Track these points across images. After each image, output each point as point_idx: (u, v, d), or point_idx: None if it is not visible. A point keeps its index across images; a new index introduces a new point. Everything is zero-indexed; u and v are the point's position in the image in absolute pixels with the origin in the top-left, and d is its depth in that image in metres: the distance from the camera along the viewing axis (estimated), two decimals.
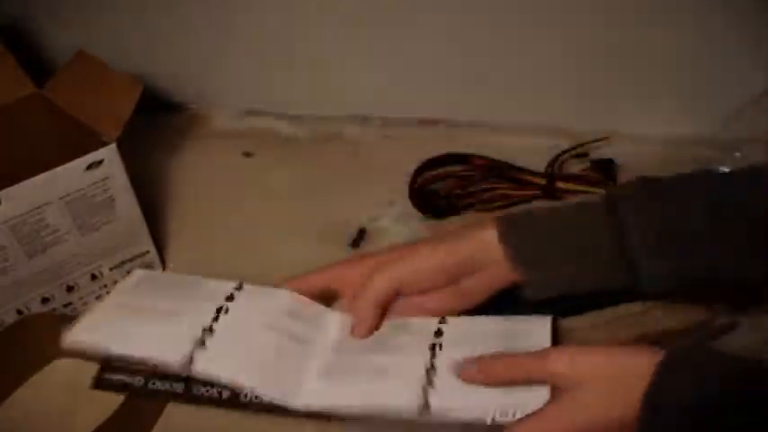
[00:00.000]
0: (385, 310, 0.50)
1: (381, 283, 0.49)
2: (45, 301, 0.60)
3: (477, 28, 0.73)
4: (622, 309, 0.54)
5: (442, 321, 0.49)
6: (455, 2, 0.71)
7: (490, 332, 0.47)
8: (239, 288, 0.52)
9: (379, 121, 0.83)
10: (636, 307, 0.54)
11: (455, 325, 0.49)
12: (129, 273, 0.63)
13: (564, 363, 0.40)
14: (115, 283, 0.64)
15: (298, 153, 0.80)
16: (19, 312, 0.59)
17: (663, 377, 0.38)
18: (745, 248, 0.45)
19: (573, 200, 0.49)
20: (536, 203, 0.61)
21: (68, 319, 0.61)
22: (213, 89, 0.84)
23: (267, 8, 0.74)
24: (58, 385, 0.58)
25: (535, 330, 0.47)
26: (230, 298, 0.51)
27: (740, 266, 0.45)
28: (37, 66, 0.62)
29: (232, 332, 0.48)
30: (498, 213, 0.50)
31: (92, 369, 0.59)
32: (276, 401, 0.44)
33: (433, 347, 0.47)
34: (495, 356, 0.44)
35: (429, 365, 0.45)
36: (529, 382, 0.42)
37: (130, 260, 0.63)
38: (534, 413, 0.41)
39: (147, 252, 0.64)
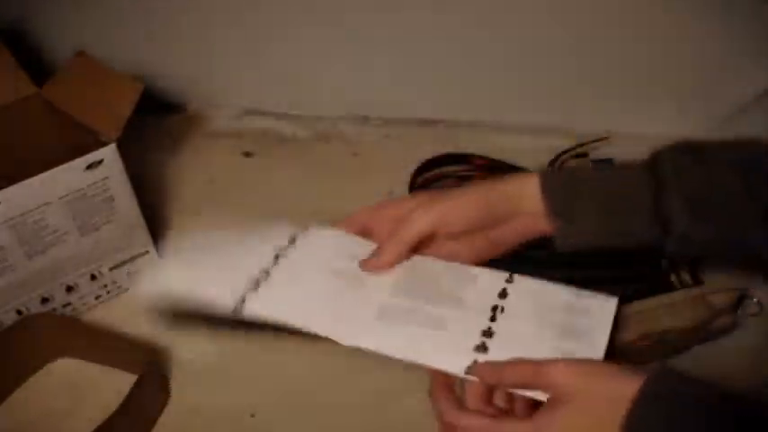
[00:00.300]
0: (415, 250, 0.49)
1: (422, 220, 0.48)
2: (45, 301, 0.60)
3: (477, 28, 0.73)
4: (622, 309, 0.54)
5: (509, 281, 0.48)
6: (455, 2, 0.71)
7: (553, 304, 0.47)
8: (301, 232, 0.51)
9: (379, 121, 0.83)
10: (637, 307, 0.54)
11: (521, 288, 0.48)
12: (128, 273, 0.64)
13: (558, 374, 0.41)
14: (114, 283, 0.64)
15: (298, 153, 0.80)
16: (19, 312, 0.59)
17: (641, 406, 0.38)
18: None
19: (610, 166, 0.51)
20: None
21: (68, 319, 0.61)
22: (213, 89, 0.84)
23: (267, 8, 0.74)
24: (58, 385, 0.58)
25: (599, 309, 0.46)
26: (292, 240, 0.50)
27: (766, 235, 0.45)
28: (37, 66, 0.62)
29: (288, 275, 0.47)
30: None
31: (92, 369, 0.59)
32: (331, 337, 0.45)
33: (494, 309, 0.46)
34: (507, 362, 0.44)
35: (486, 328, 0.45)
36: (531, 387, 0.42)
37: (130, 260, 0.63)
38: (529, 417, 0.41)
39: (147, 252, 0.64)
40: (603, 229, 0.47)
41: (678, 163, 0.46)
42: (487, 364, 0.43)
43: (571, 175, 0.49)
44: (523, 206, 0.48)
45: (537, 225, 0.48)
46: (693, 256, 0.51)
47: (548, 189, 0.47)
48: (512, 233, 0.49)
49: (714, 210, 0.45)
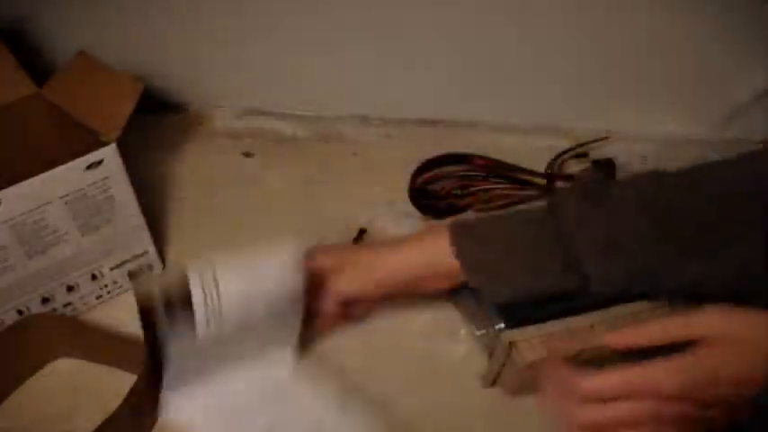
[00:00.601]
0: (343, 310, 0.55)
1: (336, 295, 0.54)
2: (45, 301, 0.60)
3: (477, 28, 0.73)
4: (622, 309, 0.54)
5: None
6: (455, 2, 0.71)
7: None
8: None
9: (379, 121, 0.83)
10: (636, 307, 0.54)
11: None
12: (128, 273, 0.64)
13: (709, 321, 0.41)
14: (115, 283, 0.64)
15: (298, 153, 0.80)
16: (19, 312, 0.59)
17: None
18: (678, 250, 0.47)
19: (516, 209, 0.53)
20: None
21: (68, 319, 0.61)
22: (213, 89, 0.84)
23: (267, 9, 0.74)
24: (58, 385, 0.58)
25: None
26: None
27: (678, 269, 0.47)
28: (37, 66, 0.62)
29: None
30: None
31: (92, 369, 0.59)
32: None
33: None
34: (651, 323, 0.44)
35: None
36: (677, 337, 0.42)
37: (130, 260, 0.63)
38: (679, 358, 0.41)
39: (147, 252, 0.64)
40: (527, 288, 0.50)
41: (579, 212, 0.48)
42: (630, 328, 0.44)
43: (481, 234, 0.51)
44: (444, 263, 0.50)
45: (461, 278, 0.51)
46: (618, 296, 0.52)
47: (461, 251, 0.50)
48: (437, 287, 0.54)
49: (620, 249, 0.47)
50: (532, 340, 0.52)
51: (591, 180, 0.50)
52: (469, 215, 0.61)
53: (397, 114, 0.83)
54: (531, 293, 0.50)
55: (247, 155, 0.80)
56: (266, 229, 0.71)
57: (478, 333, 0.59)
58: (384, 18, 0.73)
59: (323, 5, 0.73)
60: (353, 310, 0.57)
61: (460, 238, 0.50)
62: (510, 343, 0.52)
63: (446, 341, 0.62)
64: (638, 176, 0.50)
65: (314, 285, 0.54)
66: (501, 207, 0.68)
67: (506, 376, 0.56)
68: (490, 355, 0.56)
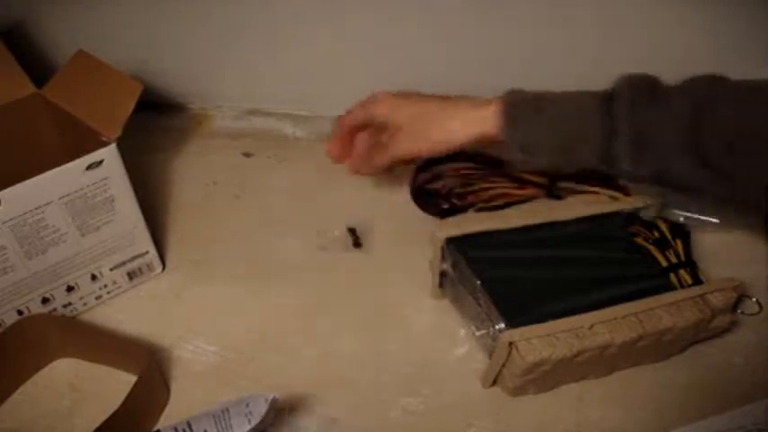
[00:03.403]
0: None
1: (395, 154, 0.60)
2: (45, 301, 0.60)
3: (477, 28, 0.73)
4: (622, 309, 0.54)
5: None
6: (455, 3, 0.71)
7: None
8: None
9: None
10: (636, 307, 0.54)
11: None
12: (128, 273, 0.64)
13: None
14: (115, 283, 0.64)
15: (298, 153, 0.80)
16: (19, 312, 0.59)
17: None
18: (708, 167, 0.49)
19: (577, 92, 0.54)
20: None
21: (68, 319, 0.62)
22: (213, 89, 0.84)
23: (267, 9, 0.74)
24: (58, 385, 0.58)
25: None
26: None
27: (704, 180, 0.50)
28: (37, 66, 0.62)
29: None
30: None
31: (92, 369, 0.59)
32: None
33: None
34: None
35: None
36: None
37: (130, 260, 0.63)
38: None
39: (147, 252, 0.64)
40: (557, 164, 0.55)
41: (633, 104, 0.51)
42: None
43: (533, 107, 0.54)
44: (487, 126, 0.56)
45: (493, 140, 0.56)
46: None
47: (509, 123, 0.54)
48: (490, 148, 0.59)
49: (655, 152, 0.51)
50: (532, 340, 0.52)
51: (647, 78, 0.52)
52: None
53: None
54: (560, 170, 0.57)
55: (247, 155, 0.80)
56: (266, 230, 0.71)
57: (478, 333, 0.59)
58: (384, 18, 0.73)
59: (323, 6, 0.73)
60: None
61: (510, 116, 0.54)
62: (510, 343, 0.52)
63: (446, 341, 0.62)
64: (695, 83, 0.51)
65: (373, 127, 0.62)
66: (501, 206, 0.68)
67: (506, 376, 0.56)
68: (490, 355, 0.56)
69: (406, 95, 0.61)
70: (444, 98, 0.59)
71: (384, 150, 0.61)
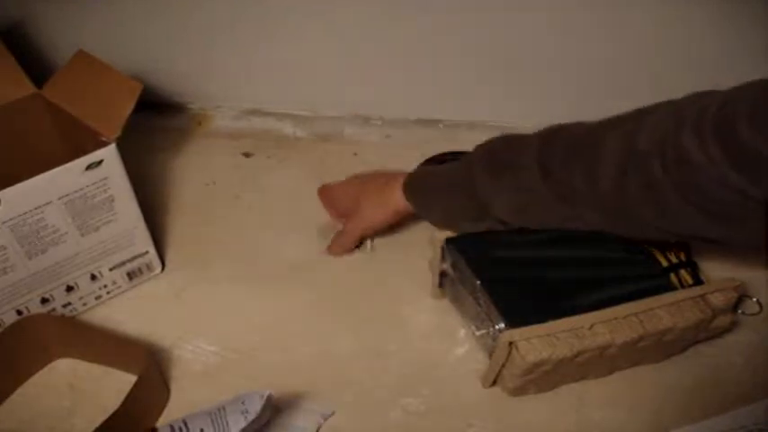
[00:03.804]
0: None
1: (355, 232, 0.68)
2: (45, 301, 0.60)
3: (477, 28, 0.73)
4: (622, 309, 0.54)
5: None
6: (455, 2, 0.71)
7: None
8: None
9: (379, 121, 0.83)
10: (636, 307, 0.54)
11: None
12: (128, 273, 0.64)
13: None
14: (114, 283, 0.64)
15: (298, 153, 0.80)
16: (18, 312, 0.59)
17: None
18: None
19: (455, 164, 0.61)
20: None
21: (68, 319, 0.62)
22: (213, 89, 0.84)
23: (267, 9, 0.74)
24: (57, 385, 0.58)
25: None
26: None
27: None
28: (37, 66, 0.62)
29: None
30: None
31: (92, 369, 0.59)
32: None
33: None
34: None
35: None
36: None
37: (130, 260, 0.63)
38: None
39: (147, 252, 0.64)
40: (447, 223, 0.61)
41: (487, 185, 0.56)
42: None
43: (424, 183, 0.62)
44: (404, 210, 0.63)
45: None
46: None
47: (409, 196, 0.62)
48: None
49: (527, 212, 0.56)
50: (532, 340, 0.52)
51: (496, 145, 0.58)
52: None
53: (397, 114, 0.83)
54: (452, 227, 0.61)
55: (247, 155, 0.80)
56: (266, 230, 0.71)
57: (478, 333, 0.59)
58: (384, 18, 0.73)
59: (323, 6, 0.73)
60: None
61: (410, 189, 0.62)
62: (510, 343, 0.52)
63: (446, 341, 0.62)
64: (541, 137, 0.56)
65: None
66: None
67: (506, 376, 0.56)
68: (490, 355, 0.56)
69: (329, 193, 0.71)
70: (358, 189, 0.67)
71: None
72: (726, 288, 0.57)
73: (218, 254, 0.69)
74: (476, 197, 0.57)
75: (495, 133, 0.58)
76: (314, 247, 0.69)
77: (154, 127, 0.81)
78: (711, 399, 0.58)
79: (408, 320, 0.64)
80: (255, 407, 0.49)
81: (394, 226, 0.68)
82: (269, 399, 0.50)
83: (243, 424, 0.49)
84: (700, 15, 0.68)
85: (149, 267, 0.65)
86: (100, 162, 0.55)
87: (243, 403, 0.50)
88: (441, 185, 0.61)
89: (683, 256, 0.60)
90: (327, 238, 0.69)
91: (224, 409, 0.50)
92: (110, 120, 0.56)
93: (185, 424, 0.50)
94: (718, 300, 0.56)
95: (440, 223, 0.61)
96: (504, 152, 0.57)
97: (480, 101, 0.80)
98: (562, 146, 0.53)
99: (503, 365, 0.55)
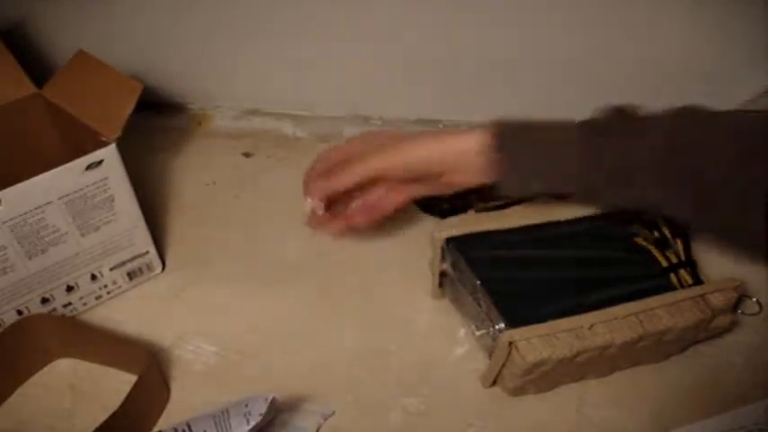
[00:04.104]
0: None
1: (366, 169, 0.55)
2: (45, 301, 0.60)
3: (477, 28, 0.73)
4: (622, 309, 0.54)
5: None
6: (455, 3, 0.71)
7: None
8: None
9: (379, 121, 0.83)
10: (636, 307, 0.54)
11: None
12: (128, 273, 0.64)
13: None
14: (114, 283, 0.64)
15: (298, 153, 0.80)
16: (19, 312, 0.59)
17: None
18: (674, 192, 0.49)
19: (557, 122, 0.53)
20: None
21: (68, 319, 0.62)
22: (213, 89, 0.84)
23: (267, 8, 0.74)
24: (57, 385, 0.58)
25: None
26: None
27: (673, 207, 0.50)
28: (37, 66, 0.62)
29: None
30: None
31: (92, 369, 0.59)
32: None
33: None
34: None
35: None
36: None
37: (130, 260, 0.63)
38: None
39: (147, 252, 0.64)
40: (542, 191, 0.54)
41: (609, 135, 0.50)
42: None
43: (517, 144, 0.52)
44: (470, 165, 0.53)
45: (481, 181, 0.53)
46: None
47: (500, 147, 0.51)
48: (455, 185, 0.55)
49: (631, 183, 0.50)
50: (532, 340, 0.52)
51: (625, 110, 0.52)
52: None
53: (397, 114, 0.83)
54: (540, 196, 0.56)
55: (247, 155, 0.80)
56: (266, 230, 0.71)
57: (478, 333, 0.59)
58: (384, 18, 0.73)
59: (323, 6, 0.73)
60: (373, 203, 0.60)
61: (499, 147, 0.52)
62: (510, 343, 0.52)
63: (446, 341, 0.62)
64: (675, 117, 0.51)
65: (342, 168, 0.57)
66: (501, 207, 0.68)
67: (506, 376, 0.56)
68: (490, 355, 0.56)
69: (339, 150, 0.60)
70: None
71: (354, 166, 0.56)
72: (726, 288, 0.57)
73: (218, 254, 0.69)
74: (586, 155, 0.50)
75: None
76: (314, 247, 0.69)
77: (154, 127, 0.81)
78: (711, 399, 0.58)
79: (408, 320, 0.64)
80: (259, 410, 0.49)
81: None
82: (273, 402, 0.50)
83: (246, 427, 0.49)
84: (697, 17, 0.68)
85: (149, 267, 0.65)
86: (100, 162, 0.55)
87: (246, 406, 0.50)
88: (543, 140, 0.52)
89: (682, 256, 0.60)
90: (327, 238, 0.69)
91: (227, 411, 0.50)
92: (110, 120, 0.56)
93: (189, 427, 0.50)
94: (717, 300, 0.56)
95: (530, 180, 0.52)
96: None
97: (480, 101, 0.80)
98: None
99: (503, 365, 0.55)
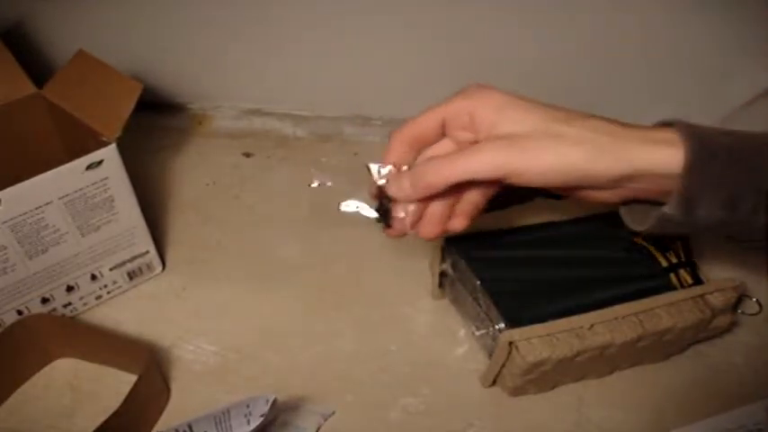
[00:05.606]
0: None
1: (486, 167, 0.44)
2: (45, 301, 0.60)
3: (477, 28, 0.73)
4: (622, 309, 0.54)
5: None
6: (455, 3, 0.71)
7: None
8: None
9: (379, 121, 0.83)
10: (636, 307, 0.54)
11: None
12: (128, 273, 0.64)
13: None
14: (115, 283, 0.64)
15: (298, 153, 0.80)
16: (19, 312, 0.59)
17: None
18: None
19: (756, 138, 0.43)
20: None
21: (68, 319, 0.62)
22: (213, 89, 0.84)
23: (267, 8, 0.74)
24: (57, 385, 0.58)
25: None
26: None
27: None
28: (37, 66, 0.62)
29: None
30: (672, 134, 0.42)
31: (92, 369, 0.59)
32: None
33: None
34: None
35: None
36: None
37: (130, 260, 0.63)
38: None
39: (147, 252, 0.64)
40: (717, 230, 0.43)
41: None
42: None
43: (727, 148, 0.42)
44: (661, 176, 0.41)
45: (643, 195, 0.42)
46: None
47: (700, 167, 0.40)
48: (586, 200, 0.43)
49: None
50: (532, 340, 0.52)
51: None
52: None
53: (397, 114, 0.83)
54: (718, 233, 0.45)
55: (247, 155, 0.80)
56: (266, 230, 0.71)
57: (478, 333, 0.59)
58: (384, 19, 0.73)
59: (323, 6, 0.73)
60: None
61: (694, 169, 0.40)
62: (510, 343, 0.52)
63: (446, 341, 0.62)
64: None
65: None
66: (500, 207, 0.68)
67: (506, 376, 0.56)
68: (490, 355, 0.56)
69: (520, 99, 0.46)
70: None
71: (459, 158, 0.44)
72: (726, 288, 0.57)
73: (218, 254, 0.69)
74: None
75: None
76: (314, 247, 0.69)
77: (154, 127, 0.81)
78: (711, 399, 0.58)
79: (408, 320, 0.64)
80: (260, 411, 0.49)
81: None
82: (274, 403, 0.50)
83: (246, 428, 0.49)
84: (697, 17, 0.68)
85: (150, 267, 0.65)
86: (100, 162, 0.55)
87: (248, 407, 0.50)
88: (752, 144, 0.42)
89: (682, 256, 0.60)
90: (328, 238, 0.69)
91: (228, 412, 0.50)
92: (110, 120, 0.56)
93: (190, 427, 0.50)
94: (717, 300, 0.56)
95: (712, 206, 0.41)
96: None
97: None
98: None
99: (503, 365, 0.55)
